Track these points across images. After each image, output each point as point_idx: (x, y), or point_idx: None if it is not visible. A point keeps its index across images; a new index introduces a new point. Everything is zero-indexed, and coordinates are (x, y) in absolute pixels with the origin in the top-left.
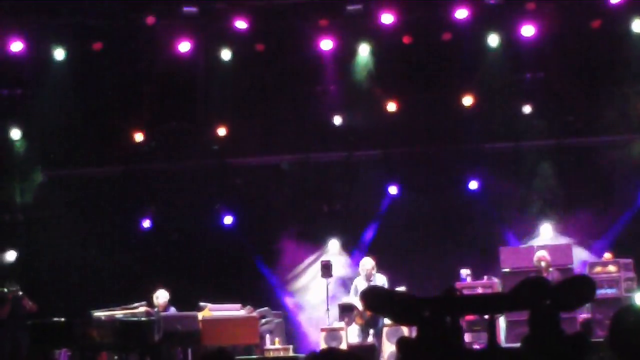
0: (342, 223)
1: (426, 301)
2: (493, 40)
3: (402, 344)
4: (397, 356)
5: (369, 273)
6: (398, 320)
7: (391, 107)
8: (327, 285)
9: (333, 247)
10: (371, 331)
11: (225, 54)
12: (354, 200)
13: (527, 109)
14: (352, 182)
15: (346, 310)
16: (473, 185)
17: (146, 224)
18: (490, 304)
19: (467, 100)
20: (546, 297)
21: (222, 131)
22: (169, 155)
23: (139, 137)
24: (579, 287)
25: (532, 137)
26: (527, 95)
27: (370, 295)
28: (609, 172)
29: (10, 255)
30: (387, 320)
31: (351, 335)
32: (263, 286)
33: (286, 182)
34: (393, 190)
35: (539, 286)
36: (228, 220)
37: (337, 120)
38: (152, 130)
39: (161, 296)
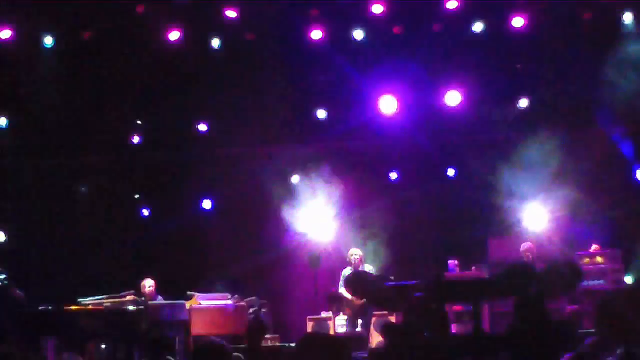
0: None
1: (412, 287)
2: (484, 30)
3: (388, 329)
4: (384, 342)
5: (357, 264)
6: (383, 306)
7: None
8: (316, 275)
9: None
10: (359, 321)
11: (215, 43)
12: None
13: (523, 102)
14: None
15: (334, 300)
16: (450, 172)
17: (137, 212)
18: (476, 290)
19: (454, 99)
20: (532, 284)
21: (204, 125)
22: (159, 144)
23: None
24: (565, 274)
25: (522, 128)
26: (518, 86)
27: (355, 281)
28: (597, 163)
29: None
30: (375, 311)
31: (339, 325)
32: (251, 274)
33: (274, 172)
34: (393, 176)
35: (525, 273)
36: (207, 204)
37: (322, 113)
38: (142, 119)
39: (148, 285)
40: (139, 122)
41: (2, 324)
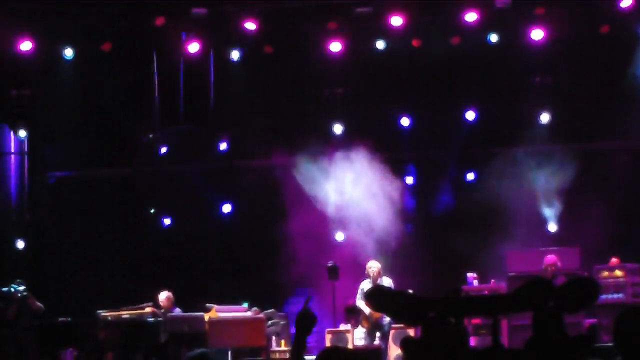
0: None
1: (431, 302)
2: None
3: (407, 344)
4: (402, 356)
5: (375, 276)
6: (402, 320)
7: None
8: (334, 288)
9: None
10: (377, 334)
11: (235, 56)
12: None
13: (545, 118)
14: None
15: (352, 313)
16: (470, 176)
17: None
18: (494, 305)
19: (470, 115)
20: (550, 299)
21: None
22: (178, 157)
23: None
24: (583, 289)
25: (540, 141)
26: (536, 100)
27: (375, 296)
28: (617, 177)
29: (20, 244)
30: (394, 324)
31: (357, 337)
32: (269, 288)
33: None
34: (409, 180)
35: (543, 287)
36: (227, 208)
37: (338, 128)
38: (161, 132)
39: (166, 297)
40: (151, 135)
41: (22, 335)
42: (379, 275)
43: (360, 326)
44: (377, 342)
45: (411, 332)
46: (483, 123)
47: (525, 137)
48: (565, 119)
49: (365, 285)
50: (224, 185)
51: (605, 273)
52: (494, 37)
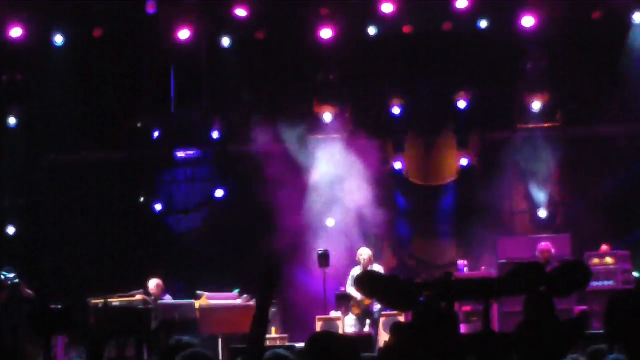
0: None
1: (421, 285)
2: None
3: (396, 329)
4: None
5: (366, 263)
6: (393, 305)
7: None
8: (324, 275)
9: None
10: (367, 321)
11: (225, 41)
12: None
13: (537, 103)
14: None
15: (343, 300)
16: (463, 161)
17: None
18: (485, 289)
19: (461, 103)
20: (541, 282)
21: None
22: (170, 141)
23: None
24: (575, 273)
25: (532, 126)
26: (529, 84)
27: (365, 280)
28: (609, 163)
29: (10, 230)
30: (383, 311)
31: (348, 324)
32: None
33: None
34: (398, 165)
35: (535, 271)
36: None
37: (328, 116)
38: (154, 116)
39: (156, 284)
40: (139, 124)
41: (12, 322)
42: (370, 262)
43: (350, 313)
44: (367, 329)
45: (401, 318)
46: (475, 108)
47: (518, 122)
48: (558, 104)
49: (356, 271)
50: (217, 170)
51: (596, 260)
52: (483, 23)
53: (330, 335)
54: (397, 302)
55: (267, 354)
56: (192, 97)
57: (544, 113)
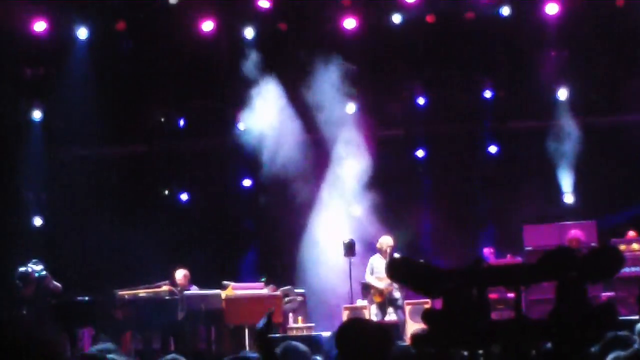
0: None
1: (452, 272)
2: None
3: (429, 316)
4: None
5: (389, 252)
6: (423, 292)
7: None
8: (350, 264)
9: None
10: (390, 309)
11: (249, 33)
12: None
13: (562, 91)
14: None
15: (369, 289)
16: (493, 149)
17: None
18: (517, 275)
19: (487, 93)
20: (573, 268)
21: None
22: (193, 133)
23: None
24: (607, 259)
25: (557, 115)
26: (553, 73)
27: (397, 266)
28: (634, 150)
29: (37, 221)
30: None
31: (374, 313)
32: (286, 264)
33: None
34: (420, 153)
35: (566, 257)
36: (247, 183)
37: (351, 107)
38: (177, 109)
39: (183, 275)
40: (162, 119)
41: (39, 315)
42: (392, 251)
43: (373, 301)
44: (389, 317)
45: (427, 306)
46: (500, 97)
47: (542, 110)
48: (582, 92)
49: (375, 260)
50: (243, 161)
51: (623, 247)
52: (506, 10)
53: (361, 322)
54: (428, 289)
55: (282, 345)
56: (215, 88)
57: (568, 101)
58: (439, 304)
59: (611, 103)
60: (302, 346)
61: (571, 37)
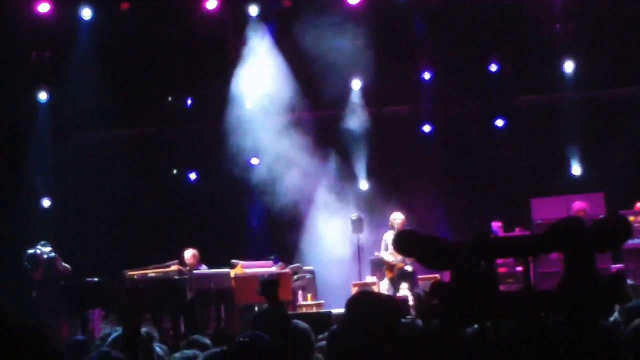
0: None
1: (460, 244)
2: None
3: (437, 289)
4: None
5: (400, 228)
6: (431, 265)
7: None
8: (358, 240)
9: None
10: (403, 284)
11: (253, 10)
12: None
13: (568, 65)
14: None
15: (377, 265)
16: (499, 122)
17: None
18: (525, 246)
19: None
20: (581, 238)
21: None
22: (200, 113)
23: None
24: (615, 227)
25: (564, 89)
26: (559, 47)
27: (403, 240)
28: None
29: (46, 203)
30: (418, 274)
31: (383, 289)
32: (292, 242)
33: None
34: (427, 128)
35: (574, 226)
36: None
37: (357, 83)
38: (183, 91)
39: (192, 254)
40: (170, 98)
41: (49, 296)
42: (403, 226)
43: (385, 278)
44: (402, 292)
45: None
46: (506, 73)
47: (548, 84)
48: (589, 66)
49: (389, 236)
50: (248, 140)
51: (631, 218)
52: None
53: (371, 294)
54: (436, 262)
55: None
56: (221, 69)
57: (575, 75)
58: (447, 276)
59: (619, 75)
60: (301, 323)
61: (576, 11)
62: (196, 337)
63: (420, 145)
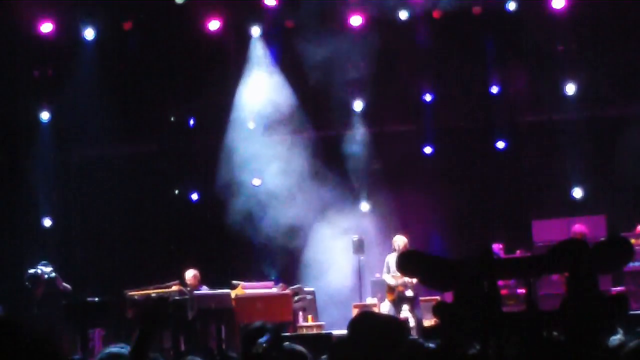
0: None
1: (462, 264)
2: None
3: (440, 309)
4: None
5: (402, 250)
6: (434, 285)
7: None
8: (359, 262)
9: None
10: (405, 307)
11: (255, 31)
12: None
13: (570, 86)
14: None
15: (378, 286)
16: (500, 145)
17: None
18: (528, 267)
19: (494, 88)
20: (584, 259)
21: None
22: (202, 132)
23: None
24: (617, 249)
25: (566, 109)
26: (561, 68)
27: (407, 260)
28: None
29: (47, 222)
30: (420, 296)
31: (384, 311)
32: (293, 263)
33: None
34: (428, 150)
35: (577, 247)
36: (257, 182)
37: (359, 105)
38: (185, 108)
39: (193, 275)
40: (172, 118)
41: (50, 316)
42: (405, 249)
43: (386, 299)
44: (403, 314)
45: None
46: (508, 93)
47: (550, 105)
48: (590, 86)
49: (391, 258)
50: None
51: (632, 240)
52: (512, 5)
53: (373, 315)
54: (439, 282)
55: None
56: (223, 86)
57: (577, 96)
58: (449, 297)
59: (621, 96)
60: (298, 347)
61: (579, 31)
62: (190, 357)
63: (421, 166)
